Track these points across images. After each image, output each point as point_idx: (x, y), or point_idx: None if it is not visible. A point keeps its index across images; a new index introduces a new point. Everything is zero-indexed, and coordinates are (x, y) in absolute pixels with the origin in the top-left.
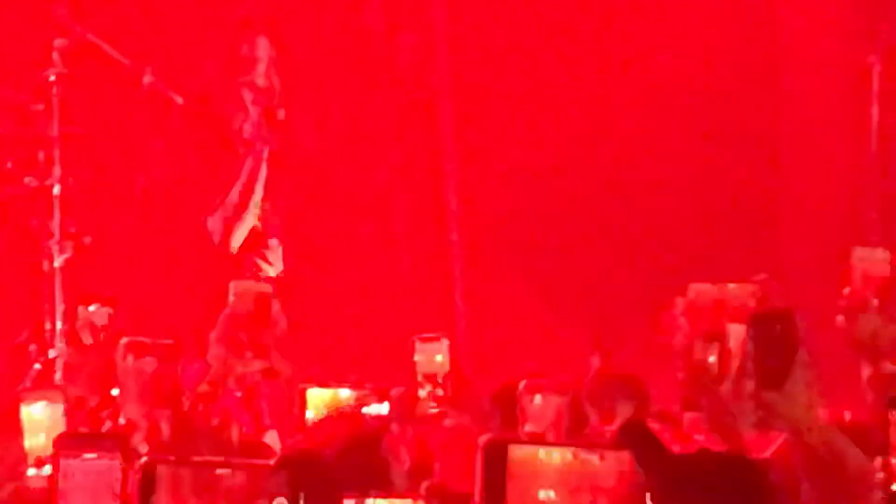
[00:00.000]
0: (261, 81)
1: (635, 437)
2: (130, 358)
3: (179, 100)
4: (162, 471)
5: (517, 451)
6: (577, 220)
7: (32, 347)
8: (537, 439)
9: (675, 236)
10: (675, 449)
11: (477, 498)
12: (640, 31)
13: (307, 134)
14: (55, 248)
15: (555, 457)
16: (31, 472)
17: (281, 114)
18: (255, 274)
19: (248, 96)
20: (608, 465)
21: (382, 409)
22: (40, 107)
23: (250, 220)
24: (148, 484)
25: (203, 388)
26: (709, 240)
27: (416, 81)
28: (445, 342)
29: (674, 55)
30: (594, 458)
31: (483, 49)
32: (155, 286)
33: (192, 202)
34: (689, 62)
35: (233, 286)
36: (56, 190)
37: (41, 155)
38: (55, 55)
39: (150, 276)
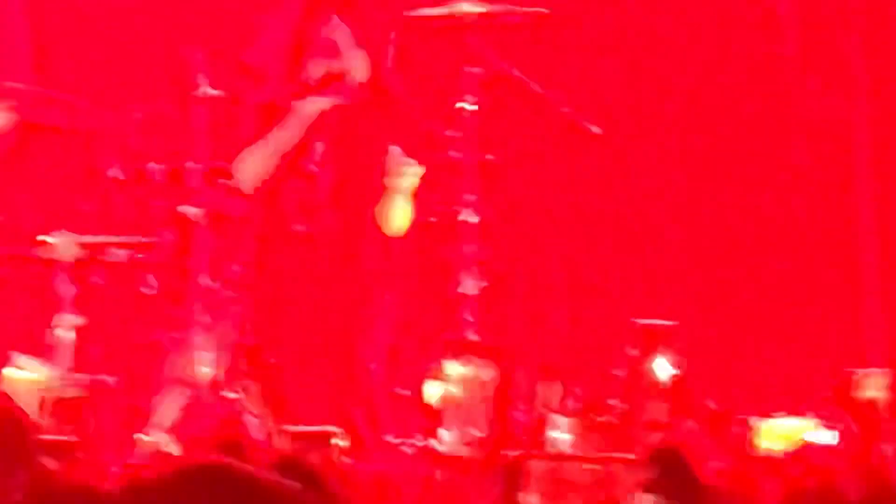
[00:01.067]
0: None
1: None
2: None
3: (597, 130)
4: (533, 465)
5: None
6: None
7: None
8: None
9: None
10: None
11: None
12: None
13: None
14: (465, 275)
15: None
16: None
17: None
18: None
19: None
20: None
21: (830, 439)
22: (457, 134)
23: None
24: (516, 478)
25: None
26: None
27: (828, 82)
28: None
29: None
30: None
31: None
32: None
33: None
34: None
35: None
36: (469, 218)
37: (454, 183)
38: (470, 85)
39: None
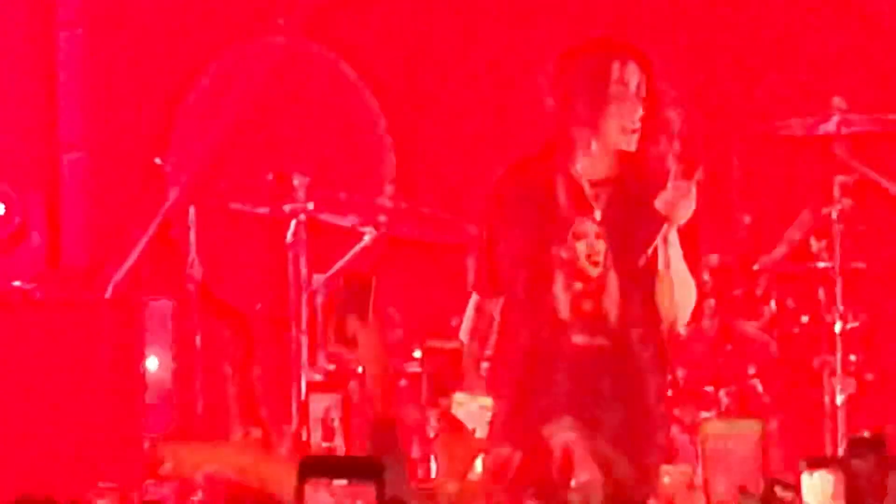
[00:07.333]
0: None
1: None
2: None
3: None
4: None
5: None
6: None
7: None
8: None
9: None
10: None
11: None
12: None
13: None
14: (837, 384)
15: None
16: None
17: None
18: None
19: None
20: None
21: None
22: (821, 243)
23: None
24: None
25: None
26: None
27: None
28: None
29: None
30: None
31: None
32: None
33: None
34: None
35: None
36: (837, 327)
37: (821, 292)
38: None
39: None
